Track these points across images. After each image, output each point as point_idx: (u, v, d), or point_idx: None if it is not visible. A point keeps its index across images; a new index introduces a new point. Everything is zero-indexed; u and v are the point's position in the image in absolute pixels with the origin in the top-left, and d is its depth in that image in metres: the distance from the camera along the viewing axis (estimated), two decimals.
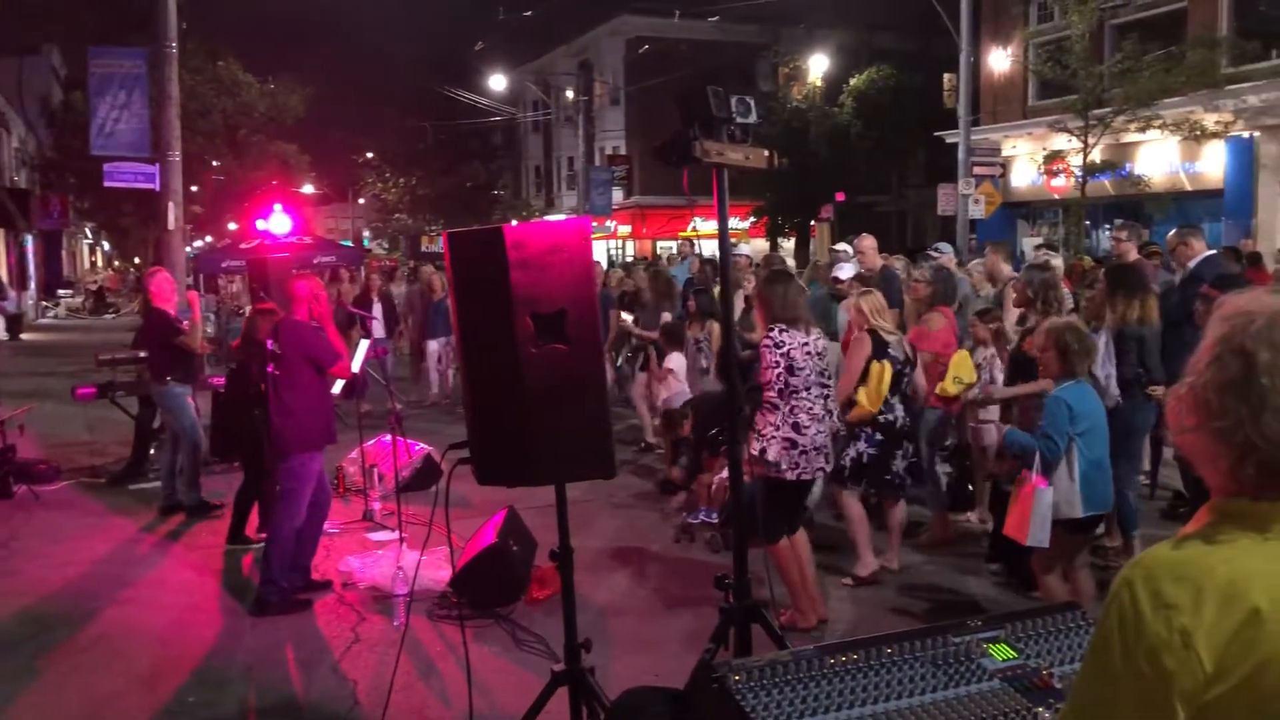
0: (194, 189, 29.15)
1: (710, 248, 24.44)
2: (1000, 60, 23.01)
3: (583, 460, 3.49)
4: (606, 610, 5.93)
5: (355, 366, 7.59)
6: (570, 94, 42.62)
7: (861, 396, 6.11)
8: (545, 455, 3.41)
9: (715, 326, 8.81)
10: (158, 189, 13.92)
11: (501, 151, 51.84)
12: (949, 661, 2.24)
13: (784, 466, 5.19)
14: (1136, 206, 19.18)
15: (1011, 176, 23.13)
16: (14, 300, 26.21)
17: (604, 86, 41.09)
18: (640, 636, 5.54)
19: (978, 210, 21.12)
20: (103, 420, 11.25)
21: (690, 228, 34.18)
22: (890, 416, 6.18)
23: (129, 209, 31.79)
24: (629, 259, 34.98)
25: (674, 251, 25.10)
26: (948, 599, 6.09)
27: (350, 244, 39.06)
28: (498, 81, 40.48)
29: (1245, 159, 18.20)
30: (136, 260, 43.98)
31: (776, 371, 5.20)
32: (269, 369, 6.09)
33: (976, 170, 21.24)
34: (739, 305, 8.60)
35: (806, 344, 5.29)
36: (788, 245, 33.66)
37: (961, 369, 6.80)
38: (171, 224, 13.66)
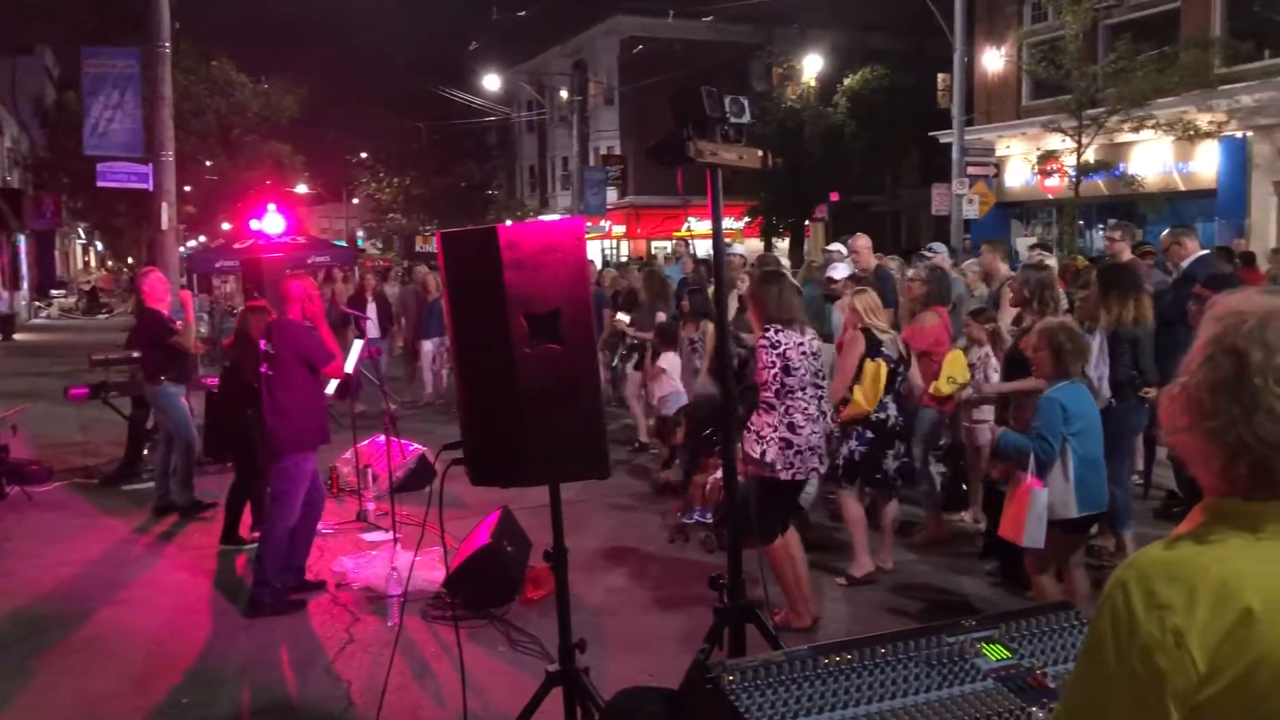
0: (187, 189, 29.17)
1: (705, 248, 24.38)
2: (994, 60, 23.04)
3: (577, 460, 3.49)
4: (601, 610, 5.93)
5: (349, 367, 7.58)
6: (564, 94, 42.61)
7: (857, 395, 6.11)
8: (539, 455, 3.41)
9: (709, 327, 8.80)
10: (151, 189, 13.92)
11: (496, 151, 51.81)
12: (943, 661, 2.23)
13: (779, 466, 5.20)
14: (1130, 206, 19.19)
15: (1005, 176, 23.18)
16: (5, 300, 26.14)
17: (598, 86, 41.06)
18: (635, 637, 5.53)
19: (972, 210, 21.18)
20: (96, 421, 11.23)
21: (685, 228, 34.05)
22: (883, 415, 6.18)
23: (122, 209, 31.80)
24: (623, 259, 34.97)
25: (669, 251, 25.09)
26: (942, 599, 6.10)
27: (344, 244, 39.10)
28: (492, 81, 40.54)
29: (1238, 159, 18.24)
30: (130, 260, 43.99)
31: (773, 372, 5.20)
32: (262, 369, 6.07)
33: (970, 170, 21.30)
34: (733, 305, 8.59)
35: (802, 344, 5.30)
36: (782, 245, 33.67)
37: (955, 369, 6.80)
38: (165, 224, 13.65)
